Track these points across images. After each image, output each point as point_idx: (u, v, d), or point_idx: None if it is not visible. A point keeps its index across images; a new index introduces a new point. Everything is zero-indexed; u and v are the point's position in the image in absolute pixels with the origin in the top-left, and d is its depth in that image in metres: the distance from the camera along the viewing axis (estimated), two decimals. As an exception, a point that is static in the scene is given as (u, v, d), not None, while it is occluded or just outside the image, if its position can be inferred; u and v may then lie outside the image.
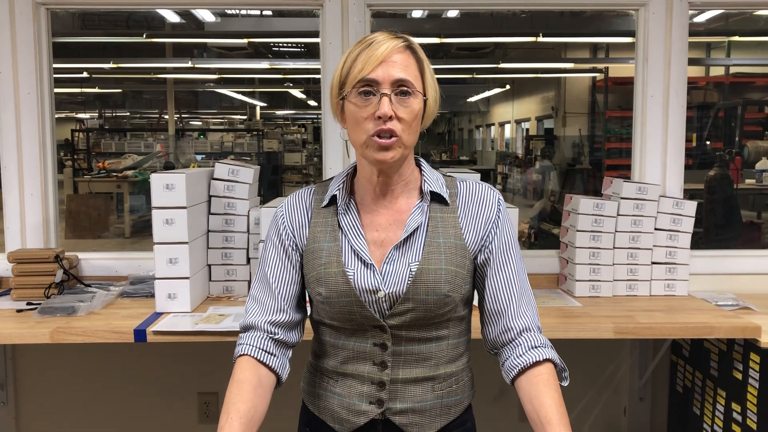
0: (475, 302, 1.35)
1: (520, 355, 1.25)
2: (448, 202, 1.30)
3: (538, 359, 1.23)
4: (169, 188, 2.16)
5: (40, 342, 2.03)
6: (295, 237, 1.32)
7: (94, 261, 2.65)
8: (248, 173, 2.44)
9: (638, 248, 2.50)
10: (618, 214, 2.49)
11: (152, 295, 2.29)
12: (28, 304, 2.30)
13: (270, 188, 10.07)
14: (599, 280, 2.49)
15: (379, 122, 1.19)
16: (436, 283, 1.23)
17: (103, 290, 2.38)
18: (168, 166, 10.51)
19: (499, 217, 1.31)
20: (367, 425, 1.28)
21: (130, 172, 9.58)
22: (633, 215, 2.49)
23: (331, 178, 1.36)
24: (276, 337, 1.29)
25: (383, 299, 1.24)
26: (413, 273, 1.23)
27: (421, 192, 1.30)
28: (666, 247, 2.52)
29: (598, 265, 2.48)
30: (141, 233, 8.51)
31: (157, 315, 2.18)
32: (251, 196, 2.47)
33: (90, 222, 8.18)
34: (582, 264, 2.48)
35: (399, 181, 1.29)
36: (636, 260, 2.51)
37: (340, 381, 1.30)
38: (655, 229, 2.51)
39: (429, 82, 1.26)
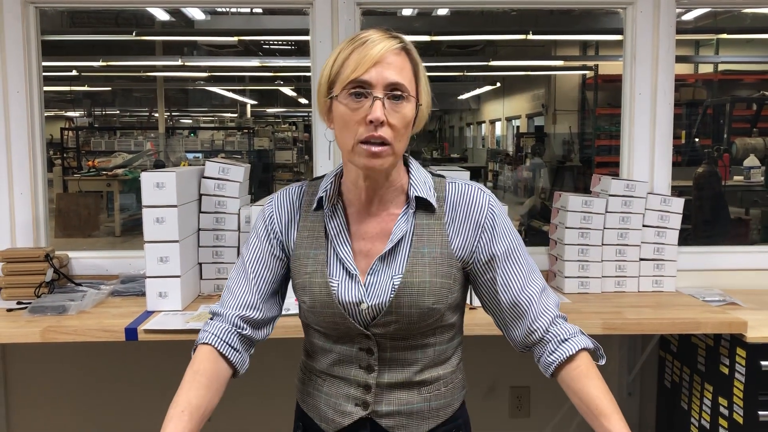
0: (477, 303, 1.34)
1: (552, 352, 1.24)
2: (435, 208, 1.24)
3: (571, 353, 1.23)
4: (159, 187, 2.16)
5: (30, 341, 2.03)
6: (282, 237, 1.30)
7: (84, 260, 2.65)
8: (239, 171, 2.45)
9: (626, 245, 2.52)
10: (606, 211, 2.51)
11: (143, 294, 2.29)
12: (19, 303, 2.30)
13: (261, 186, 10.06)
14: (588, 277, 2.51)
15: (370, 127, 1.13)
16: (419, 297, 1.20)
17: (93, 289, 2.38)
18: (158, 165, 10.48)
19: (493, 219, 1.26)
20: (355, 425, 1.27)
21: (120, 171, 9.57)
22: (621, 212, 2.51)
23: (323, 176, 1.31)
24: (243, 332, 1.27)
25: (366, 311, 1.21)
26: (396, 286, 1.20)
27: (408, 197, 1.24)
28: (654, 243, 2.54)
29: (587, 261, 2.50)
30: (131, 232, 8.49)
31: (148, 313, 2.18)
32: (242, 195, 2.47)
33: (80, 221, 8.16)
34: (571, 261, 2.50)
35: (387, 187, 1.23)
36: (624, 257, 2.53)
37: (328, 381, 1.29)
38: (643, 225, 2.53)
39: (423, 87, 1.20)
